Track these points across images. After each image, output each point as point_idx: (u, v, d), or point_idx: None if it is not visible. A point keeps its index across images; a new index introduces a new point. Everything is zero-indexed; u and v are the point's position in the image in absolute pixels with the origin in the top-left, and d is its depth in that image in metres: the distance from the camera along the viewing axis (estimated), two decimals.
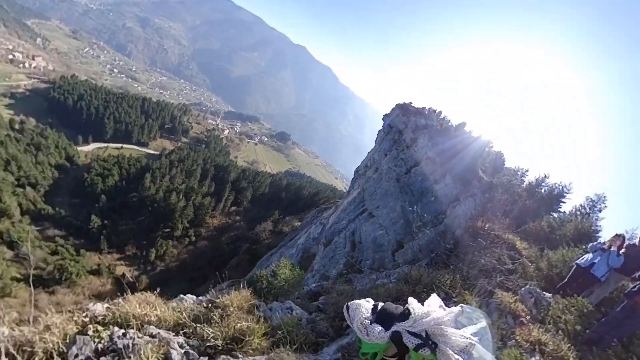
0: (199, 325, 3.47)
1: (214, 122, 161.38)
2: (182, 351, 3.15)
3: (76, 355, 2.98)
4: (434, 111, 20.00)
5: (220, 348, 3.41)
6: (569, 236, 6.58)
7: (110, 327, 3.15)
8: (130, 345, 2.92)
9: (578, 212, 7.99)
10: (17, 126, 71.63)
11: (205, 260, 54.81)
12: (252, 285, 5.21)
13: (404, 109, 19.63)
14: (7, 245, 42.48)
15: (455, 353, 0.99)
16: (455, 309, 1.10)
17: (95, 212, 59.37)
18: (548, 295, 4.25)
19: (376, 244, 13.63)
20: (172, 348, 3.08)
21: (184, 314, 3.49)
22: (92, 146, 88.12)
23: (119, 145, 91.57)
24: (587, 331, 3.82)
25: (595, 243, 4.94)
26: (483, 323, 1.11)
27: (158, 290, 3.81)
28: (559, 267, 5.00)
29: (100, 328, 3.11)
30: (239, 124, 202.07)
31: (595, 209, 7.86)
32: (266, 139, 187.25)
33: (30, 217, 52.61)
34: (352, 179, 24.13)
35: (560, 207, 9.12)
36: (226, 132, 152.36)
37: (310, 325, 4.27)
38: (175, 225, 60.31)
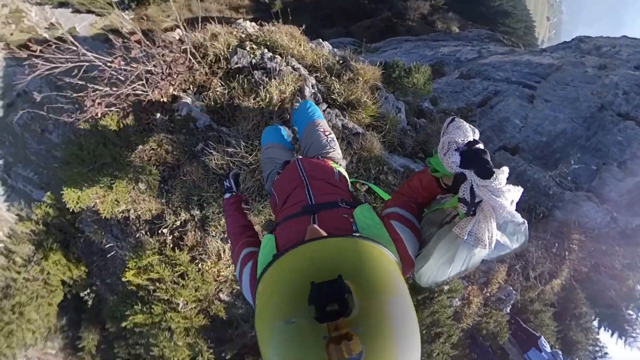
0: (330, 76, 3.78)
1: None
2: (313, 91, 3.62)
3: (236, 63, 3.63)
4: None
5: (338, 103, 3.87)
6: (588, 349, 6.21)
7: (262, 47, 3.59)
8: (277, 69, 3.40)
9: None
10: None
11: (341, 8, 53.29)
12: (386, 68, 5.21)
13: None
14: None
15: (469, 231, 0.99)
16: (520, 218, 1.02)
17: None
18: (509, 308, 5.13)
19: (500, 127, 10.52)
20: (306, 85, 3.53)
21: (321, 60, 3.77)
22: None
23: None
24: (481, 339, 4.99)
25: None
26: (516, 245, 1.03)
27: (304, 23, 3.98)
28: (540, 323, 5.52)
29: (254, 46, 3.58)
30: None
31: None
32: None
33: None
34: (560, 44, 16.46)
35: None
36: None
37: (401, 133, 4.55)
38: None
